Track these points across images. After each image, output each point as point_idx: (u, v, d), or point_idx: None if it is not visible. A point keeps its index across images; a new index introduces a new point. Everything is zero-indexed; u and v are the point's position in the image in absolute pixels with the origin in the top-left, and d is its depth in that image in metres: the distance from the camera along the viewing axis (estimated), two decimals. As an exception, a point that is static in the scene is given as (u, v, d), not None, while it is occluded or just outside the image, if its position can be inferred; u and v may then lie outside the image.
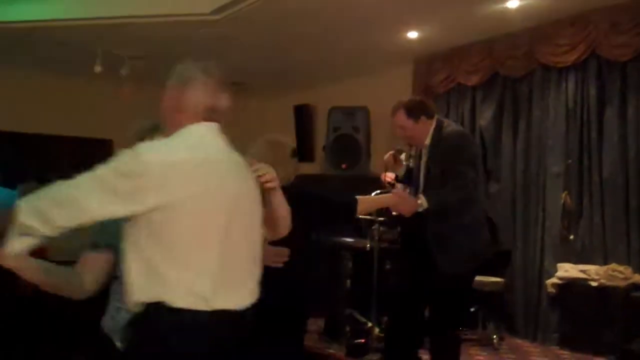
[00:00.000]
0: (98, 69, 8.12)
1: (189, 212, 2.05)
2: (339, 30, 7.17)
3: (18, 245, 2.01)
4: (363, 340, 5.80)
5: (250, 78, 9.43)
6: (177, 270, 2.03)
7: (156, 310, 2.01)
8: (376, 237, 5.82)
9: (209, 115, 2.26)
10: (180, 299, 2.02)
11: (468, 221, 4.33)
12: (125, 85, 8.44)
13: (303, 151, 9.50)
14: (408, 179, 4.68)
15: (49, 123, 9.16)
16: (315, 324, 6.53)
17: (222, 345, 2.10)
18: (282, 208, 2.56)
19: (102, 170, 2.04)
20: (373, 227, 5.90)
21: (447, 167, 4.28)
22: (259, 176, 2.41)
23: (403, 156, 4.92)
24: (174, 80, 2.33)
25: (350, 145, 8.50)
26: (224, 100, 2.31)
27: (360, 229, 6.37)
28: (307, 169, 9.34)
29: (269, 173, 2.46)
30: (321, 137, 9.20)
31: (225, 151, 2.25)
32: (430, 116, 4.46)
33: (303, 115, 9.62)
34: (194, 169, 2.10)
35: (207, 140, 2.23)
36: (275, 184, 2.48)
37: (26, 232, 1.99)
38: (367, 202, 3.61)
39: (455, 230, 4.29)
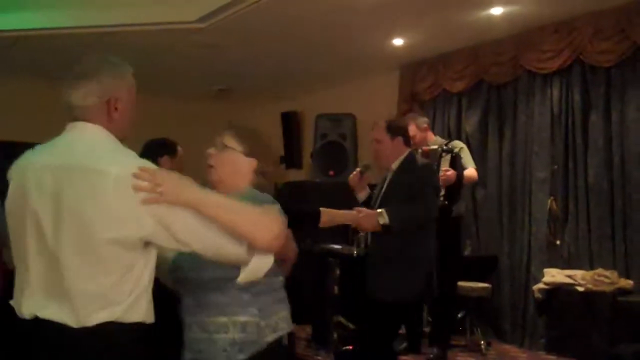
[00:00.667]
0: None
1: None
2: (325, 37, 7.17)
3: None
4: (351, 347, 5.78)
5: (237, 85, 9.44)
6: None
7: None
8: (362, 244, 5.80)
9: (70, 114, 2.18)
10: None
11: (414, 253, 4.19)
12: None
13: (290, 158, 9.49)
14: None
15: (36, 131, 9.04)
16: (304, 331, 6.50)
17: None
18: (221, 218, 2.13)
19: None
20: (360, 234, 5.88)
21: (416, 191, 4.21)
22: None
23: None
24: None
25: (337, 152, 8.50)
26: (72, 97, 2.15)
27: (348, 235, 6.35)
28: (295, 175, 9.33)
29: (146, 184, 1.98)
30: (309, 144, 9.19)
31: (71, 156, 2.07)
32: (406, 143, 4.47)
33: (290, 122, 9.61)
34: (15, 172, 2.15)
35: (64, 141, 2.17)
36: (151, 195, 1.98)
37: None
38: (331, 215, 3.55)
39: (399, 255, 4.16)
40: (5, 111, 8.94)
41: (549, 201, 6.52)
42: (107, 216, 1.96)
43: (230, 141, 2.55)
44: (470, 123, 7.37)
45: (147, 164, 2.04)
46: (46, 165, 2.07)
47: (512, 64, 6.92)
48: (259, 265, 2.14)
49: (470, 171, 6.04)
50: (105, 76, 2.15)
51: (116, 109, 2.17)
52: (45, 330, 2.01)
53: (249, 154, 2.55)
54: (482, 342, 6.26)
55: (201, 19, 6.68)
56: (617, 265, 6.03)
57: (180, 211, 2.01)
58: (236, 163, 2.54)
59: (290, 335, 2.49)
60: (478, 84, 7.36)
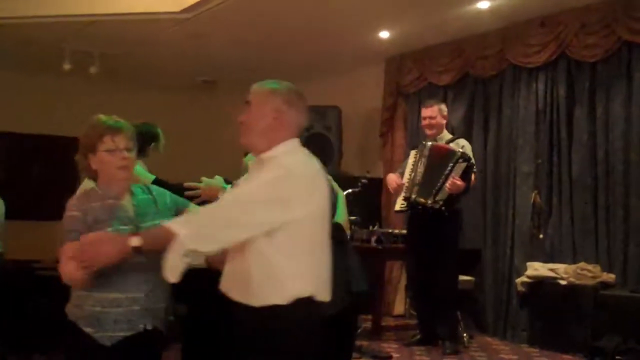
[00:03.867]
0: (67, 66, 8.00)
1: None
2: (311, 29, 7.14)
3: (182, 266, 2.24)
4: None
5: (221, 76, 9.38)
6: None
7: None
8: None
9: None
10: None
11: None
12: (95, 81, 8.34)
13: (275, 150, 9.43)
14: None
15: (18, 121, 9.01)
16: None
17: None
18: None
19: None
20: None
21: None
22: None
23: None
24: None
25: (322, 145, 8.43)
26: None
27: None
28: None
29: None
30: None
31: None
32: None
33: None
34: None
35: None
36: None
37: (189, 254, 2.23)
38: None
39: None
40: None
41: (533, 195, 6.53)
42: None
43: None
44: (456, 116, 7.35)
45: None
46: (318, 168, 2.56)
47: (498, 57, 6.92)
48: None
49: (473, 179, 5.97)
50: None
51: None
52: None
53: None
54: (465, 334, 6.27)
55: (186, 10, 6.62)
56: (600, 259, 6.05)
57: None
58: None
59: None
60: (463, 77, 7.35)
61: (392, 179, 6.14)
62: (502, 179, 6.93)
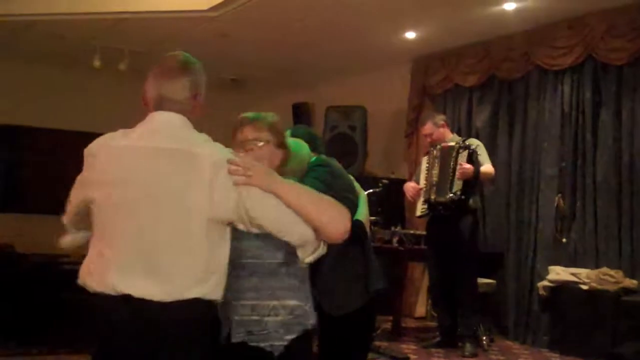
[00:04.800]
0: (97, 63, 8.11)
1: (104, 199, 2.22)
2: (338, 29, 7.14)
3: None
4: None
5: (248, 75, 9.43)
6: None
7: None
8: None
9: (159, 104, 2.29)
10: None
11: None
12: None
13: (300, 149, 9.45)
14: None
15: (50, 117, 9.16)
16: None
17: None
18: (298, 207, 2.25)
19: None
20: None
21: None
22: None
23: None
24: None
25: (346, 145, 8.44)
26: (168, 89, 2.29)
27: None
28: (304, 167, 9.30)
29: (239, 167, 2.18)
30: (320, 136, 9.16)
31: (166, 140, 2.21)
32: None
33: (301, 114, 9.57)
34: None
35: (154, 127, 2.27)
36: (241, 178, 2.17)
37: None
38: None
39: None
40: (20, 96, 8.99)
41: (557, 198, 6.47)
42: (205, 197, 2.13)
43: (267, 134, 2.61)
44: (481, 118, 7.32)
45: (235, 153, 2.26)
46: (146, 147, 2.20)
47: (524, 59, 6.86)
48: (323, 251, 2.33)
49: (487, 167, 6.02)
50: (196, 73, 2.33)
51: (199, 102, 2.34)
52: (133, 305, 2.11)
53: (278, 146, 2.62)
54: (485, 337, 6.23)
55: (213, 8, 6.68)
56: (623, 265, 5.98)
57: (263, 195, 2.19)
58: (269, 156, 2.55)
59: None
60: (489, 79, 7.30)
61: (409, 186, 6.28)
62: (526, 182, 6.87)
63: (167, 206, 2.14)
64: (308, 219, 2.22)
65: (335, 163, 3.43)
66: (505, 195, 7.01)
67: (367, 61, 8.27)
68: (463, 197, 5.83)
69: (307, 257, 2.31)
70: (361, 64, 8.42)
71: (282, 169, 2.59)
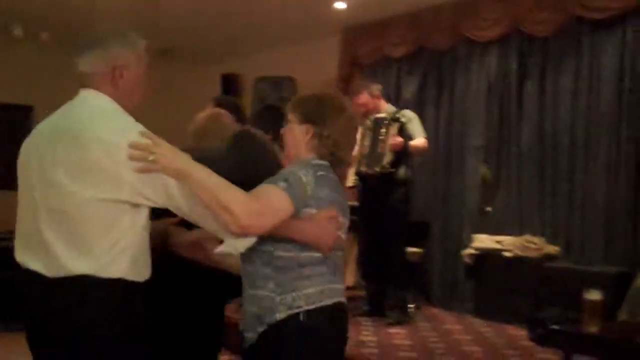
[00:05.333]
0: (18, 33, 7.82)
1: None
2: (266, -2, 7.04)
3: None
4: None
5: (177, 45, 9.23)
6: None
7: None
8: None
9: (79, 81, 2.27)
10: None
11: None
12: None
13: (230, 121, 9.34)
14: None
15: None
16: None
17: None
18: (203, 194, 2.15)
19: None
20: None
21: None
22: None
23: None
24: None
25: (276, 117, 8.33)
26: (80, 64, 2.25)
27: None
28: (233, 138, 9.19)
29: (140, 152, 2.07)
30: (248, 107, 9.06)
31: (66, 120, 2.20)
32: None
33: (230, 85, 9.42)
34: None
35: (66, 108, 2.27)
36: (142, 165, 2.07)
37: None
38: None
39: None
40: None
41: (482, 168, 6.57)
42: (94, 178, 2.07)
43: (290, 114, 2.46)
44: (409, 89, 7.36)
45: (144, 131, 2.11)
46: (46, 129, 2.23)
47: (452, 31, 6.90)
48: (236, 243, 2.21)
49: (419, 141, 5.95)
50: (112, 44, 2.25)
51: (122, 76, 2.25)
52: (27, 279, 2.17)
53: (302, 121, 2.42)
54: (412, 305, 6.28)
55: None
56: (545, 232, 6.13)
57: (164, 179, 2.10)
58: (294, 134, 2.44)
59: (336, 311, 2.38)
60: (418, 50, 7.32)
61: None
62: (453, 152, 6.96)
63: (54, 186, 2.12)
64: (209, 207, 2.11)
65: (259, 134, 3.39)
66: (433, 166, 7.07)
67: (296, 32, 8.20)
68: (392, 170, 5.80)
69: (226, 247, 2.24)
70: (291, 35, 8.35)
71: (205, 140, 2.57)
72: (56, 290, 2.10)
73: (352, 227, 6.55)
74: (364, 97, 6.07)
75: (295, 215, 2.24)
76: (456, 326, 6.00)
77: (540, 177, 6.26)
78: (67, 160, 2.10)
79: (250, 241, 2.23)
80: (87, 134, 2.09)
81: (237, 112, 3.59)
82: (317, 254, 2.31)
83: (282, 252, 2.29)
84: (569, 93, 6.09)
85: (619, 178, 5.67)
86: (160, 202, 2.16)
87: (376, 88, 6.18)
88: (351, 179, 6.21)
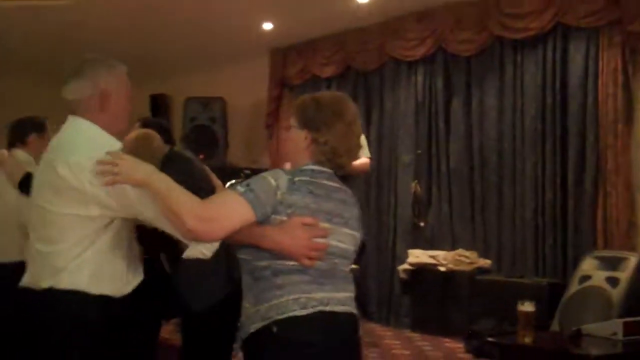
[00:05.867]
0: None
1: None
2: (195, 18, 6.99)
3: None
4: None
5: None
6: None
7: None
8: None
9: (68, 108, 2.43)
10: None
11: None
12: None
13: (159, 142, 9.23)
14: None
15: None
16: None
17: None
18: (166, 201, 2.23)
19: None
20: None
21: None
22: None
23: None
24: None
25: (207, 136, 8.34)
26: (65, 91, 2.42)
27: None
28: (164, 160, 9.09)
29: (104, 168, 2.22)
30: (179, 128, 8.99)
31: (51, 145, 2.42)
32: None
33: (159, 105, 9.36)
34: None
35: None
36: (108, 179, 2.21)
37: None
38: None
39: None
40: None
41: (414, 184, 6.69)
42: (66, 197, 2.26)
43: (291, 117, 2.41)
44: (338, 108, 7.41)
45: (110, 151, 2.25)
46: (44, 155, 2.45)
47: (378, 51, 7.02)
48: (202, 247, 2.36)
49: (362, 161, 5.74)
50: (97, 71, 2.40)
51: (108, 101, 2.40)
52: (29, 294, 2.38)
53: (300, 126, 2.35)
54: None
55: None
56: (476, 246, 6.26)
57: (127, 190, 2.22)
58: (293, 140, 2.38)
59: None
60: (346, 70, 7.43)
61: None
62: (384, 169, 7.04)
63: (38, 206, 2.35)
64: (164, 213, 2.18)
65: (188, 155, 3.38)
66: (365, 182, 7.11)
67: (225, 52, 8.18)
68: None
69: (189, 251, 2.34)
70: (219, 55, 8.32)
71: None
72: (34, 302, 2.32)
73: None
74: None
75: (265, 222, 2.19)
76: (394, 341, 6.06)
77: (470, 192, 6.40)
78: (46, 182, 2.32)
79: (214, 246, 2.32)
80: (59, 157, 2.28)
81: (165, 133, 3.56)
82: (292, 262, 2.23)
83: (259, 261, 2.24)
84: (493, 110, 6.25)
85: (546, 191, 5.83)
86: (126, 213, 2.29)
87: None
88: None
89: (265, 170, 6.30)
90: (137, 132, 3.36)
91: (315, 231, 2.24)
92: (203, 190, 2.66)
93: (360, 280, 6.83)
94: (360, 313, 6.70)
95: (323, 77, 7.62)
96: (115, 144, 2.35)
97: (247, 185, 2.19)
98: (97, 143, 2.31)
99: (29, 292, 2.33)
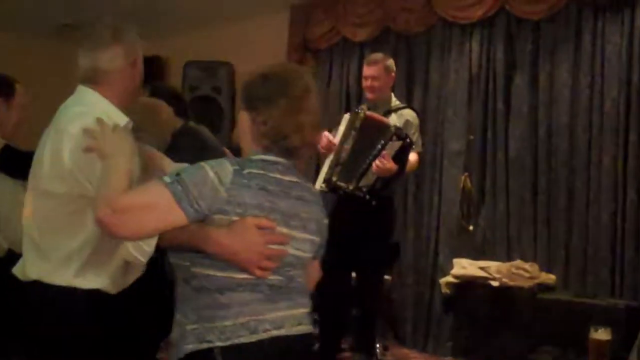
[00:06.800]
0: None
1: None
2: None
3: None
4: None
5: (86, 20, 9.11)
6: None
7: None
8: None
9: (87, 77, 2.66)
10: None
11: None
12: None
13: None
14: None
15: None
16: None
17: None
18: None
19: None
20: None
21: None
22: None
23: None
24: None
25: (210, 109, 8.37)
26: (100, 60, 2.64)
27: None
28: (156, 138, 9.13)
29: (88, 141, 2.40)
30: (174, 98, 9.04)
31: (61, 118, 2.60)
32: None
33: (153, 71, 9.37)
34: None
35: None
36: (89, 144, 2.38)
37: None
38: None
39: None
40: None
41: (463, 178, 6.68)
42: (56, 171, 2.47)
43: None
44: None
45: (100, 118, 2.41)
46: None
47: (425, 10, 6.99)
48: (127, 247, 2.42)
49: (413, 157, 5.78)
50: (133, 40, 2.73)
51: (136, 69, 2.74)
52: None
53: (244, 106, 2.47)
54: (378, 345, 6.30)
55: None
56: (539, 256, 6.24)
57: (97, 163, 2.36)
58: (240, 123, 2.51)
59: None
60: (384, 32, 7.39)
61: (323, 137, 5.64)
62: (427, 159, 6.93)
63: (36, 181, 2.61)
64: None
65: (205, 132, 3.40)
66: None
67: (234, 7, 8.22)
68: (368, 197, 5.43)
69: (120, 250, 2.48)
70: (228, 11, 8.36)
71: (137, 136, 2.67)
72: (23, 295, 2.56)
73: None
74: (379, 69, 5.83)
75: (207, 224, 2.23)
76: (433, 371, 6.10)
77: (533, 188, 6.37)
78: (45, 156, 2.54)
79: (148, 248, 2.39)
80: (57, 127, 2.55)
81: (177, 103, 3.59)
82: (242, 276, 2.27)
83: (199, 269, 2.27)
84: (566, 88, 6.22)
85: (628, 190, 5.80)
86: (83, 188, 2.45)
87: (393, 66, 5.99)
88: (320, 182, 5.73)
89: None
90: (143, 100, 3.40)
91: (272, 237, 2.28)
92: None
93: (392, 296, 6.89)
94: (391, 336, 6.67)
95: (355, 41, 7.61)
96: (124, 120, 2.59)
97: (177, 175, 2.24)
98: (94, 112, 2.52)
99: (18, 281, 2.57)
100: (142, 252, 2.39)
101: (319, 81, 7.90)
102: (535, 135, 6.39)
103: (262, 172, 2.32)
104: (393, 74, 5.96)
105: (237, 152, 5.72)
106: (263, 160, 2.36)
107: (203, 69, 8.42)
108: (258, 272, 2.25)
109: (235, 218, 2.23)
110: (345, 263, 5.71)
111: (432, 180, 7.00)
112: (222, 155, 3.14)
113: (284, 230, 2.32)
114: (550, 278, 6.08)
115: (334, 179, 5.52)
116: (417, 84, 7.21)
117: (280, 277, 2.34)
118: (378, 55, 6.04)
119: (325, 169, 5.67)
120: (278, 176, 2.37)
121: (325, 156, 5.72)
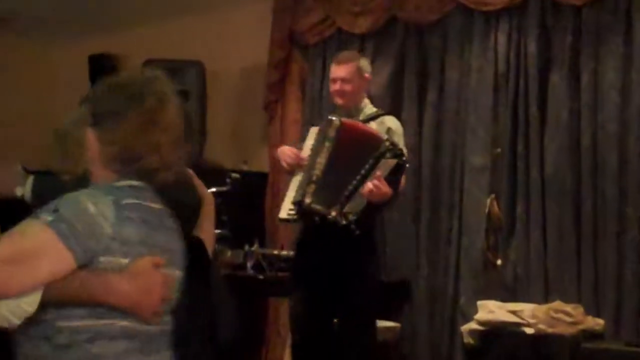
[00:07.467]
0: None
1: None
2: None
3: None
4: None
5: (21, 11, 9.05)
6: None
7: None
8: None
9: None
10: None
11: None
12: None
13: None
14: None
15: None
16: None
17: None
18: None
19: None
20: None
21: None
22: None
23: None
24: None
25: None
26: None
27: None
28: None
29: None
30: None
31: None
32: None
33: (102, 70, 9.27)
34: None
35: None
36: None
37: None
38: None
39: None
40: None
41: (489, 200, 6.56)
42: None
43: None
44: (377, 80, 7.22)
45: None
46: None
47: (440, -6, 7.00)
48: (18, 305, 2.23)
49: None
50: None
51: None
52: None
53: (90, 122, 2.50)
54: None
55: None
56: (583, 297, 6.19)
57: None
58: (88, 143, 2.51)
59: None
60: (390, 22, 7.35)
61: (285, 150, 5.81)
62: (444, 176, 6.98)
63: None
64: None
65: None
66: (413, 197, 7.04)
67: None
68: (353, 226, 5.30)
69: None
70: (196, -1, 8.32)
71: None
72: None
73: (281, 290, 6.57)
74: (349, 70, 5.80)
75: (90, 267, 2.24)
76: None
77: (575, 212, 6.33)
78: None
79: (30, 304, 2.22)
80: None
81: None
82: (123, 323, 2.33)
83: (66, 322, 2.27)
84: (614, 89, 6.22)
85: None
86: None
87: (367, 67, 6.01)
88: (286, 208, 5.78)
89: (263, 174, 6.30)
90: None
91: (165, 277, 2.40)
92: (182, 205, 2.81)
93: (401, 348, 6.77)
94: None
95: (355, 33, 7.54)
96: None
97: (56, 211, 2.25)
98: None
99: None
100: (20, 314, 2.24)
101: (308, 84, 7.91)
102: (578, 147, 6.36)
103: (137, 201, 2.39)
104: (367, 75, 5.92)
105: (209, 171, 5.65)
106: (131, 187, 2.42)
107: (167, 68, 8.17)
108: (155, 320, 2.38)
109: (122, 259, 2.29)
110: (325, 308, 5.70)
111: (450, 205, 6.95)
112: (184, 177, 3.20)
113: (166, 270, 2.43)
114: (597, 323, 6.04)
115: (307, 200, 5.47)
116: (431, 84, 7.17)
117: (156, 325, 2.43)
118: (349, 54, 6.23)
119: (291, 191, 5.64)
120: (152, 205, 2.45)
121: (287, 178, 5.85)
